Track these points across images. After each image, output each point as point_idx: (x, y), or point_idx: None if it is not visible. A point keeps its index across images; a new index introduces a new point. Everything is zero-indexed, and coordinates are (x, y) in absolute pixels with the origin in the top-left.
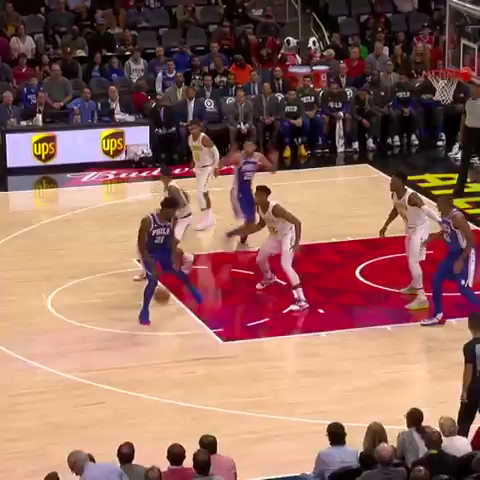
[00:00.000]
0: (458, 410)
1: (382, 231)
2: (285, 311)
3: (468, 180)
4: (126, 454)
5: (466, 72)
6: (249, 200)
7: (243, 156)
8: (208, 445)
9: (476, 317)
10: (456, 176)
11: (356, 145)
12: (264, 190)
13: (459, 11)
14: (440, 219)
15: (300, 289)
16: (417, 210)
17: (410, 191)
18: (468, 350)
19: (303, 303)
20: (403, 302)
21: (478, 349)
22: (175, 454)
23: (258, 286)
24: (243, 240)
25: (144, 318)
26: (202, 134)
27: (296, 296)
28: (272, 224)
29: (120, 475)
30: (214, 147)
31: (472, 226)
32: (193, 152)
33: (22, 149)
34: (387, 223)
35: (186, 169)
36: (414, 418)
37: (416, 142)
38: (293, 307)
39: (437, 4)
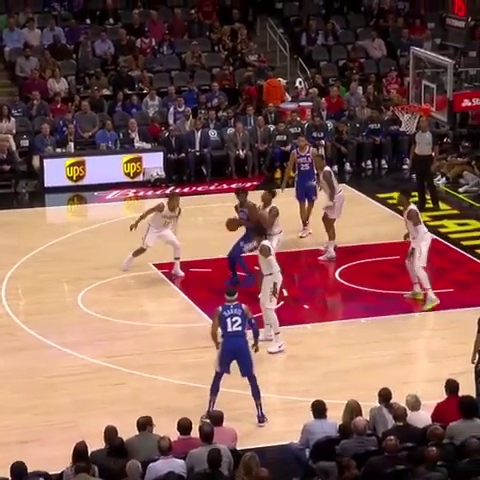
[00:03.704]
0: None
1: (406, 236)
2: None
3: (427, 197)
4: (143, 424)
5: (427, 108)
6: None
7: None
8: (215, 418)
9: None
10: (417, 194)
11: (335, 168)
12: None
13: (420, 57)
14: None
15: (280, 335)
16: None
17: (411, 207)
18: None
19: (282, 346)
20: (374, 299)
21: None
22: (183, 426)
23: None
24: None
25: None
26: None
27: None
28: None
29: (182, 466)
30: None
31: (433, 236)
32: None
33: (57, 171)
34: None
35: (193, 188)
36: (384, 396)
37: (385, 166)
38: (271, 349)
39: (402, 51)
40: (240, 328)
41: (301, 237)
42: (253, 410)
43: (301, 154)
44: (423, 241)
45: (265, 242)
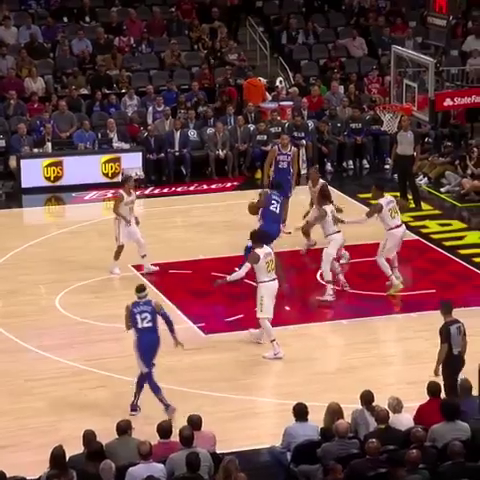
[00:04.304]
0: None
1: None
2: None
3: (409, 197)
4: (123, 427)
5: (408, 107)
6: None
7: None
8: (194, 422)
9: (445, 304)
10: (399, 194)
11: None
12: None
13: (402, 56)
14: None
15: (276, 342)
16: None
17: (378, 201)
18: (443, 332)
19: (279, 354)
20: (356, 300)
21: (452, 329)
22: (163, 429)
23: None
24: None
25: None
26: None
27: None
28: None
29: (162, 470)
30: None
31: (414, 236)
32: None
33: (34, 172)
34: None
35: (173, 188)
36: (366, 398)
37: (367, 166)
38: (267, 355)
39: (384, 50)
40: (150, 324)
41: (288, 233)
42: (230, 412)
43: (282, 152)
44: (389, 235)
45: (256, 249)
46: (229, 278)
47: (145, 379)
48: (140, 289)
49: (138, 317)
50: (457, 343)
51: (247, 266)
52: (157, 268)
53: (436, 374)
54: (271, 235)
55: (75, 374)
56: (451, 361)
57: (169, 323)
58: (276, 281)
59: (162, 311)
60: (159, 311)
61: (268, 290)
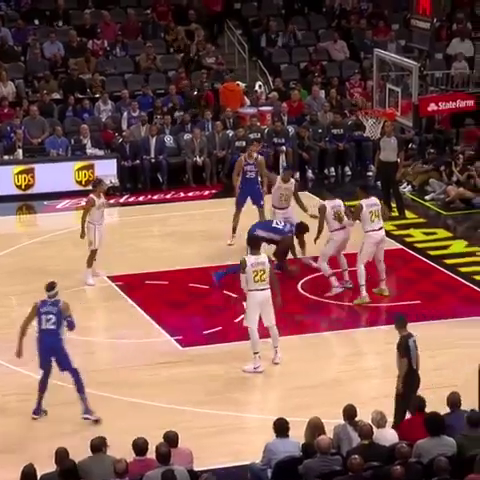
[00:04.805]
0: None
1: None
2: (237, 320)
3: (392, 205)
4: (97, 445)
5: (391, 112)
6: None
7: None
8: (170, 439)
9: (399, 318)
10: (382, 202)
11: (297, 175)
12: None
13: (384, 60)
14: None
15: (258, 356)
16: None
17: (360, 202)
18: (402, 346)
19: (259, 368)
20: (338, 312)
21: (411, 342)
22: (139, 446)
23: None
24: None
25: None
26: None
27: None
28: None
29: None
30: None
31: (398, 246)
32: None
33: (5, 180)
34: None
35: (149, 196)
36: (348, 413)
37: (349, 173)
38: (246, 368)
39: (366, 54)
40: (53, 326)
41: (229, 245)
42: (208, 428)
43: (249, 162)
44: (365, 238)
45: (244, 256)
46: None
47: (44, 378)
48: (49, 287)
49: (43, 317)
50: (415, 357)
51: (241, 277)
52: (105, 271)
53: (398, 390)
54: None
55: (46, 389)
56: (411, 376)
57: (71, 327)
58: (265, 291)
59: (68, 318)
60: (65, 316)
61: (253, 299)
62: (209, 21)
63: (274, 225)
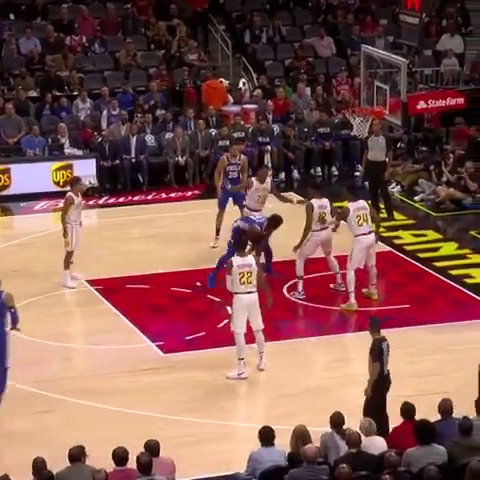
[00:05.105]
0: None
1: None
2: (220, 325)
3: (381, 206)
4: (75, 454)
5: (379, 110)
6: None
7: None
8: (152, 448)
9: (373, 321)
10: (370, 203)
11: (283, 176)
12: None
13: (372, 56)
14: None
15: (243, 362)
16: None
17: (347, 205)
18: (376, 349)
19: (243, 374)
20: (325, 317)
21: (384, 346)
22: (119, 456)
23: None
24: None
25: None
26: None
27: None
28: None
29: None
30: None
31: (386, 248)
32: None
33: None
34: None
35: (129, 198)
36: (336, 421)
37: (336, 173)
38: (230, 374)
39: (353, 50)
40: None
41: (213, 247)
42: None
43: (231, 162)
44: (354, 243)
45: (232, 258)
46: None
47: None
48: None
49: None
50: (387, 361)
51: (227, 278)
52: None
53: (367, 395)
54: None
55: (23, 397)
56: (382, 381)
57: (14, 322)
58: (253, 295)
59: (12, 309)
60: (8, 307)
61: (240, 303)
62: (192, 19)
63: (252, 218)
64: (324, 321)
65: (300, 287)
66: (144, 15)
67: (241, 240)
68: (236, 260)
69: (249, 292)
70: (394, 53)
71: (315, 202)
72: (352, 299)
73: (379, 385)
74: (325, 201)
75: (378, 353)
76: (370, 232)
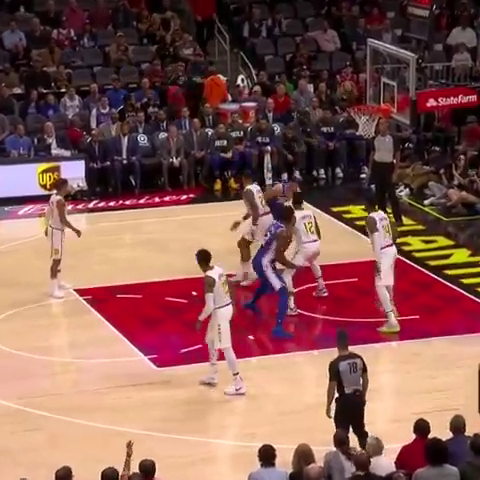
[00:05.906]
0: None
1: None
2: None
3: (388, 210)
4: (62, 476)
5: (386, 108)
6: None
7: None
8: (146, 469)
9: (341, 335)
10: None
11: (285, 177)
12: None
13: (379, 51)
14: None
15: (239, 376)
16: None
17: (370, 215)
18: (331, 369)
19: (241, 389)
20: (328, 328)
21: (342, 366)
22: (108, 477)
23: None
24: None
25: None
26: None
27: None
28: None
29: None
30: None
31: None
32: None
33: None
34: None
35: (120, 201)
36: (340, 440)
37: (340, 175)
38: (228, 390)
39: (358, 44)
40: None
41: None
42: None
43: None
44: (382, 257)
45: (208, 272)
46: (200, 317)
47: None
48: None
49: None
50: (351, 381)
51: (209, 297)
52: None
53: (327, 414)
54: None
55: (6, 415)
56: (343, 400)
57: None
58: (230, 306)
59: None
60: None
61: (225, 316)
62: (201, 26)
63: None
64: (325, 333)
65: (291, 304)
66: (136, 7)
67: (295, 194)
68: (216, 272)
69: (229, 303)
70: (402, 47)
71: (298, 213)
72: (391, 319)
73: (340, 406)
74: (308, 212)
75: (334, 372)
76: (392, 244)
